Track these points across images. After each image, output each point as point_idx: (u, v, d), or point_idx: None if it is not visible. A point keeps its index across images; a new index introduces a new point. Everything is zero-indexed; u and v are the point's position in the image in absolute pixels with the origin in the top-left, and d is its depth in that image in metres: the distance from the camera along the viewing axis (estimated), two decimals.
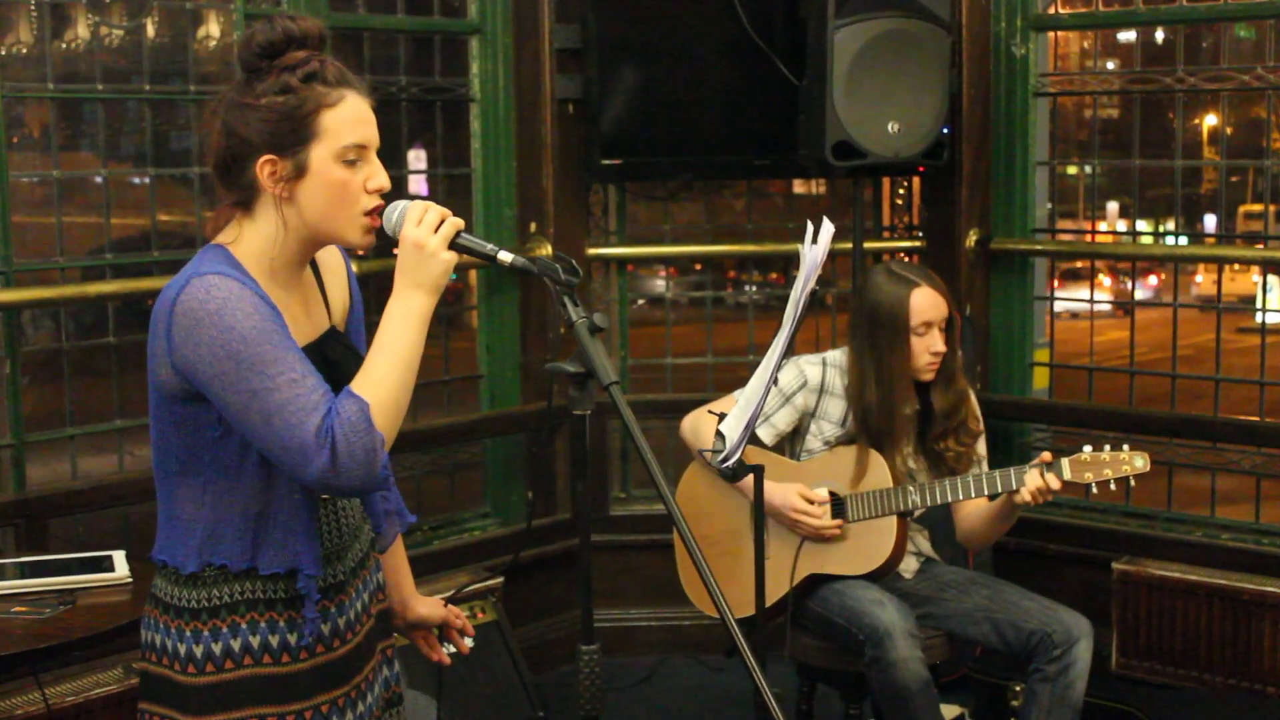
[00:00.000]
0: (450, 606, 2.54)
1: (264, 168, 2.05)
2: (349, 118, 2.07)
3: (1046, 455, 3.32)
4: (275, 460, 2.01)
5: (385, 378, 2.04)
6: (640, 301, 5.92)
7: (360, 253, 4.25)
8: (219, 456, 2.07)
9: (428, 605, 2.52)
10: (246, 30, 2.10)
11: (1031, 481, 3.28)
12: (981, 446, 3.64)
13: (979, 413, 3.63)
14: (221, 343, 1.97)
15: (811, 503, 3.48)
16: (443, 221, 2.08)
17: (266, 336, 1.98)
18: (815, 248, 2.56)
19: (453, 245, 2.08)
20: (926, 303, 3.48)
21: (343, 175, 2.07)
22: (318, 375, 2.02)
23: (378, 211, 2.11)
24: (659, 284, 5.67)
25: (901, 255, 4.90)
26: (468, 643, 2.55)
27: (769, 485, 3.14)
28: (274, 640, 2.11)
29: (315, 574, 2.11)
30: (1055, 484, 3.27)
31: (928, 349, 3.49)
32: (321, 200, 2.07)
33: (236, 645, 2.10)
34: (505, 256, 2.09)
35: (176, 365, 2.01)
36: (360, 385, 2.03)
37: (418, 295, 2.07)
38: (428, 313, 2.08)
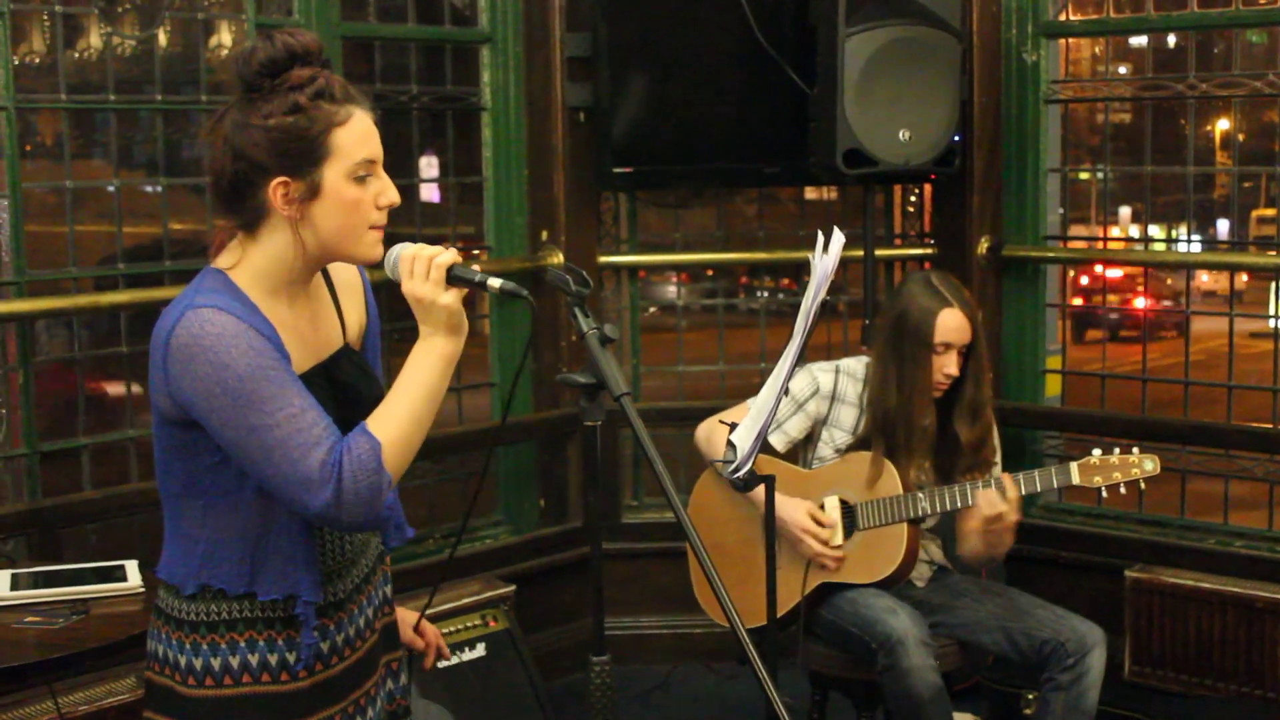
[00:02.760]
0: (421, 629, 2.44)
1: (276, 190, 2.01)
2: (359, 134, 2.05)
3: (1006, 477, 3.42)
4: (276, 494, 2.00)
5: (401, 417, 2.03)
6: (652, 309, 5.92)
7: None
8: (218, 481, 2.06)
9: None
10: (244, 47, 2.06)
11: (997, 491, 3.36)
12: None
13: (998, 443, 3.64)
14: (217, 379, 1.95)
15: (822, 525, 3.48)
16: (433, 263, 2.03)
17: (263, 373, 1.96)
18: (826, 258, 2.55)
19: (451, 281, 2.05)
20: (951, 324, 3.48)
21: (355, 193, 2.04)
22: (319, 409, 2.00)
23: (381, 225, 2.09)
24: (670, 291, 5.66)
25: (913, 264, 4.90)
26: (431, 660, 2.47)
27: (780, 498, 3.14)
28: (273, 659, 2.11)
29: (314, 600, 2.10)
30: (1010, 490, 3.36)
31: (941, 369, 3.49)
32: (336, 219, 2.04)
33: (236, 663, 2.10)
34: (495, 283, 2.06)
35: (174, 397, 2.00)
36: (375, 423, 2.03)
37: (436, 338, 2.06)
38: (448, 352, 2.07)
